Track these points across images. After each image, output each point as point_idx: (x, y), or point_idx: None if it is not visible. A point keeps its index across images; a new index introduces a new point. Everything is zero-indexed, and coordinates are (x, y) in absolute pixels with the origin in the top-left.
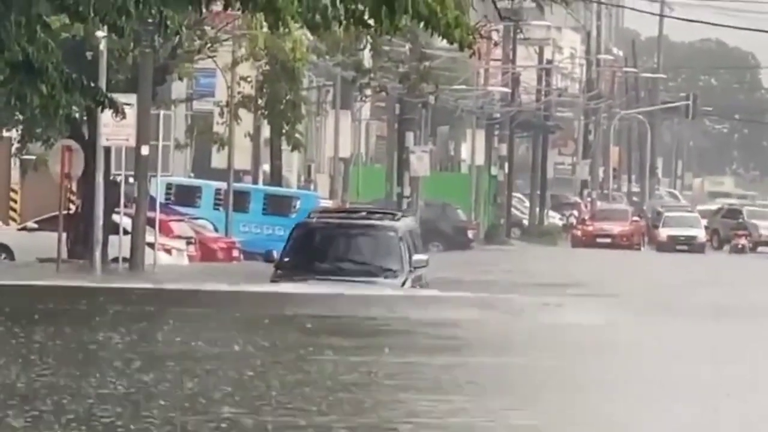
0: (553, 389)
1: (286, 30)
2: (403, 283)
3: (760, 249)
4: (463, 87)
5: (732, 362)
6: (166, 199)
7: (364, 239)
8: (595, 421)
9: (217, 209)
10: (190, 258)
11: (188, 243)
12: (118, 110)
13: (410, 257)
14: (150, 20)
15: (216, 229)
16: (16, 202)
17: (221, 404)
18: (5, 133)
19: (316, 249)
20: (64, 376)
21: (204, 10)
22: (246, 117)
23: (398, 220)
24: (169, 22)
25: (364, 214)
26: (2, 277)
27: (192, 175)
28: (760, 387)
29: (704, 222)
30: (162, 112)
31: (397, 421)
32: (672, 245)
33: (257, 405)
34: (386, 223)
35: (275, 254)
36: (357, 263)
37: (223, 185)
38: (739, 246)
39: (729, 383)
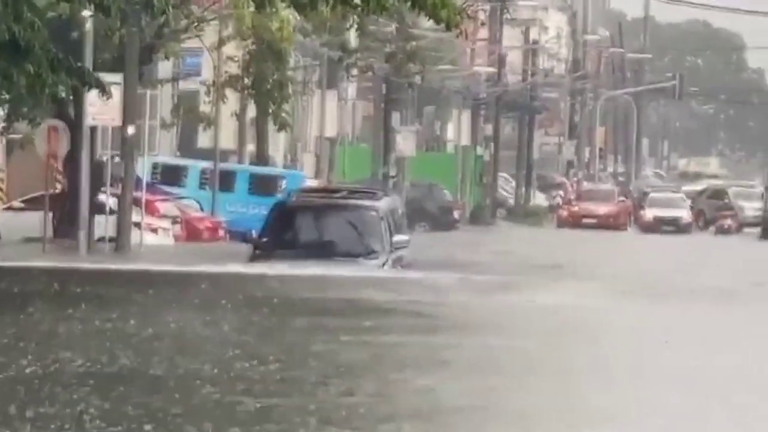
0: (539, 372)
1: (273, 9)
2: (384, 264)
3: (745, 230)
4: (450, 67)
5: (722, 347)
6: (152, 178)
7: (344, 219)
8: (582, 406)
9: (203, 189)
10: (176, 238)
11: (174, 222)
12: (104, 90)
13: (391, 237)
14: None
15: (202, 209)
16: (2, 181)
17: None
18: None
19: (294, 228)
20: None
21: None
22: (232, 97)
23: (379, 199)
24: (155, 1)
25: (345, 193)
26: None
27: (178, 154)
28: (751, 371)
29: (689, 203)
30: (148, 92)
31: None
32: (658, 226)
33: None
34: (367, 202)
35: (254, 233)
36: (336, 243)
37: (209, 165)
38: (725, 226)
39: (720, 370)
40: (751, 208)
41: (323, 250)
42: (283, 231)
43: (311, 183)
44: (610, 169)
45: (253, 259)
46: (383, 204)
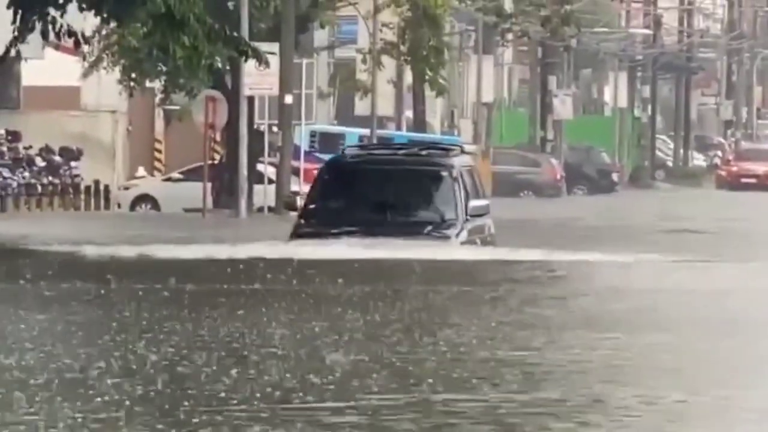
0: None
1: None
2: (457, 235)
3: None
4: (605, 30)
5: None
6: (310, 147)
7: (409, 181)
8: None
9: None
10: None
11: None
12: (261, 59)
13: (467, 203)
14: None
15: None
16: (160, 152)
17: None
18: (149, 84)
19: (347, 195)
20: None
21: None
22: (389, 64)
23: (453, 156)
24: None
25: (412, 150)
26: (150, 227)
27: (335, 122)
28: None
29: None
30: (304, 61)
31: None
32: None
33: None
34: (438, 160)
35: (298, 201)
36: (399, 212)
37: (366, 132)
38: None
39: None
40: None
41: (383, 223)
42: (334, 198)
43: (469, 148)
44: None
45: (299, 233)
46: (458, 161)
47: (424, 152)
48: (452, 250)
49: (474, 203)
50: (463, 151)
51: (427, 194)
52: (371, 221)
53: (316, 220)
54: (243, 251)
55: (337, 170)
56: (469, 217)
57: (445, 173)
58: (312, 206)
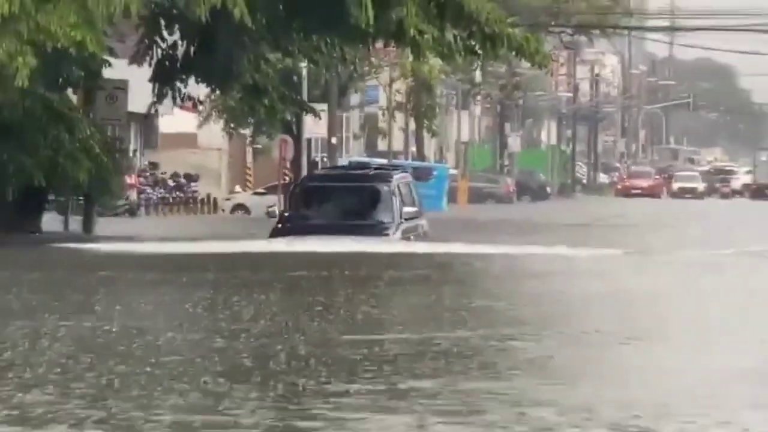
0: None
1: (425, 59)
2: (394, 233)
3: (736, 196)
4: (542, 93)
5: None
6: None
7: (357, 194)
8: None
9: None
10: None
11: None
12: (315, 114)
13: (402, 209)
14: (335, 55)
15: None
16: (250, 176)
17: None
18: (242, 131)
19: (312, 204)
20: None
21: (371, 48)
22: (399, 117)
23: (394, 174)
24: (347, 56)
25: (361, 171)
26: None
27: (365, 155)
28: None
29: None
30: (344, 115)
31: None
32: (681, 194)
33: None
34: (379, 177)
35: (276, 210)
36: (350, 218)
37: (385, 161)
38: (725, 193)
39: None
40: (738, 182)
41: (338, 225)
42: (302, 207)
43: (452, 172)
44: (649, 158)
45: (275, 234)
46: (396, 178)
47: (371, 172)
48: (389, 245)
49: (407, 209)
50: (400, 172)
51: (371, 203)
52: (329, 224)
53: (289, 224)
54: (232, 247)
55: (304, 187)
56: (403, 220)
57: (385, 187)
58: (286, 214)
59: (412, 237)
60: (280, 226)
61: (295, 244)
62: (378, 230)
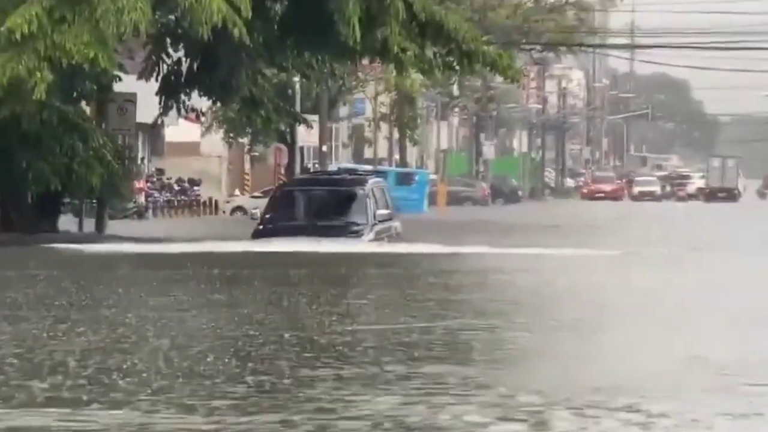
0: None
1: (407, 74)
2: (367, 234)
3: (691, 199)
4: (514, 105)
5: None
6: None
7: (332, 197)
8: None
9: None
10: None
11: None
12: (308, 124)
13: (375, 212)
14: (325, 70)
15: None
16: (248, 180)
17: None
18: (240, 140)
19: (290, 207)
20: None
21: (358, 64)
22: (384, 127)
23: (368, 179)
24: (336, 72)
25: (339, 176)
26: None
27: (352, 161)
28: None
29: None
30: (334, 125)
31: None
32: (641, 197)
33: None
34: (354, 182)
35: (257, 213)
36: (325, 220)
37: (371, 167)
38: (681, 195)
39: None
40: (693, 186)
41: (314, 227)
42: (281, 210)
43: (432, 177)
44: (611, 164)
45: (256, 235)
46: (370, 182)
47: (348, 177)
48: (362, 245)
49: (380, 212)
50: (374, 177)
51: (345, 206)
52: (306, 226)
53: (271, 226)
54: (220, 246)
55: (283, 192)
56: (377, 222)
57: (360, 191)
58: (267, 216)
59: (385, 238)
60: (261, 227)
61: (273, 245)
62: (352, 231)
